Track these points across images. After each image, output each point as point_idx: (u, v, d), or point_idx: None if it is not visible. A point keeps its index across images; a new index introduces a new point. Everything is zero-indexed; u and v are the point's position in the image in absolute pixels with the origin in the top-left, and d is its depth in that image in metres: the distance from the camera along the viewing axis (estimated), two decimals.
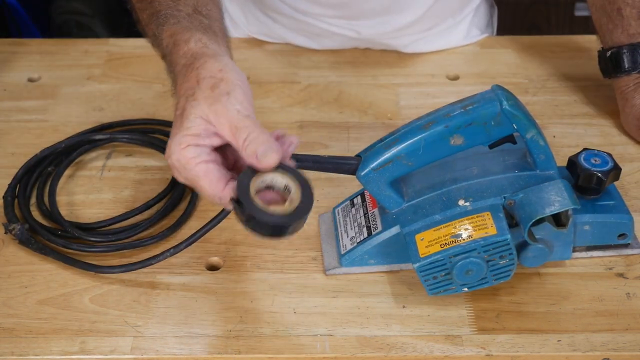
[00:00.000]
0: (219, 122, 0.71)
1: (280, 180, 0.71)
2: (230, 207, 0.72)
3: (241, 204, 0.69)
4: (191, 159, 0.71)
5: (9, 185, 0.95)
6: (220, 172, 0.72)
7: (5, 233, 0.89)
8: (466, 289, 0.79)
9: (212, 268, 0.86)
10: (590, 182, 0.83)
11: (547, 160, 0.81)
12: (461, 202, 0.80)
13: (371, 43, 1.21)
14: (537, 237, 0.79)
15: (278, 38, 1.23)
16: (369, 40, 1.19)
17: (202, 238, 0.83)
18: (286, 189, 0.71)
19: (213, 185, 0.71)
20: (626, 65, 1.02)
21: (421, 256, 0.77)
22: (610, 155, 0.85)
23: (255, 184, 0.70)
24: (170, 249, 0.83)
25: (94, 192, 0.96)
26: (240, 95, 0.72)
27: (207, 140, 0.72)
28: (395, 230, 0.82)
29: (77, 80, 1.16)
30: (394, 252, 0.83)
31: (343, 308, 0.81)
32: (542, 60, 1.20)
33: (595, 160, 0.84)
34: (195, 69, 0.74)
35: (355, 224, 0.86)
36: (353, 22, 1.16)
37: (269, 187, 0.71)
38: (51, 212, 0.92)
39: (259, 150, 0.69)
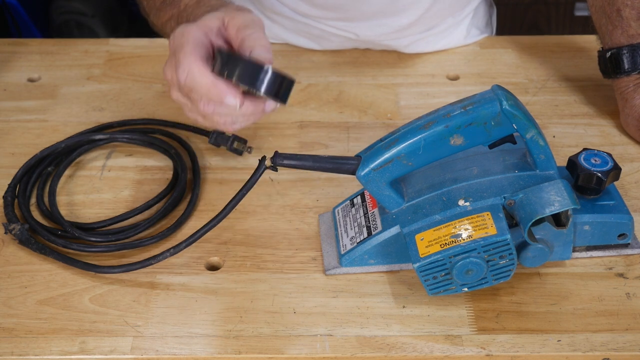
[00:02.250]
0: (231, 23, 0.74)
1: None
2: (197, 76, 0.72)
3: (230, 56, 0.72)
4: (190, 33, 0.73)
5: (9, 185, 0.95)
6: (203, 53, 0.73)
7: (5, 233, 0.89)
8: (466, 289, 0.79)
9: (212, 268, 0.86)
10: (590, 182, 0.83)
11: (547, 160, 0.81)
12: (461, 202, 0.80)
13: (371, 44, 1.21)
14: (537, 237, 0.79)
15: (278, 39, 1.23)
16: (369, 41, 1.20)
17: (202, 238, 0.83)
18: None
19: (193, 55, 0.72)
20: (626, 66, 1.02)
21: (421, 256, 0.77)
22: (610, 155, 0.85)
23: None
24: (170, 249, 0.83)
25: (94, 192, 0.96)
26: (260, 18, 0.76)
27: (214, 37, 0.74)
28: (395, 230, 0.82)
29: (77, 80, 1.16)
30: (394, 252, 0.83)
31: (343, 308, 0.81)
32: (542, 60, 1.20)
33: (595, 160, 0.84)
34: (224, 5, 0.79)
35: (355, 224, 0.86)
36: (352, 24, 1.16)
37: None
38: (51, 212, 0.92)
39: (257, 46, 0.72)
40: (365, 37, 1.18)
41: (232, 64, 0.71)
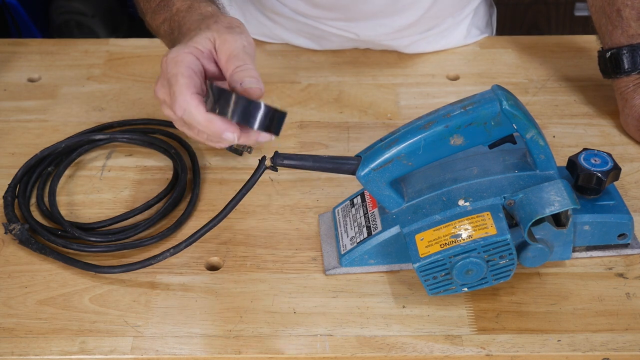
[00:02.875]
0: (222, 48, 0.76)
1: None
2: (193, 111, 0.74)
3: (222, 92, 0.73)
4: (184, 61, 0.74)
5: (9, 185, 0.95)
6: (198, 85, 0.75)
7: (5, 233, 0.89)
8: (466, 289, 0.79)
9: (212, 268, 0.86)
10: (590, 182, 0.83)
11: (547, 160, 0.81)
12: (461, 202, 0.80)
13: (371, 44, 1.21)
14: (537, 237, 0.79)
15: (278, 39, 1.23)
16: (369, 41, 1.20)
17: (202, 238, 0.83)
18: None
19: (188, 87, 0.73)
20: (626, 66, 1.02)
21: (421, 256, 0.77)
22: (610, 155, 0.85)
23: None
24: (170, 249, 0.83)
25: (93, 192, 0.96)
26: (249, 39, 0.77)
27: (205, 61, 0.76)
28: (395, 230, 0.82)
29: (77, 80, 1.16)
30: (394, 252, 0.83)
31: (343, 308, 0.81)
32: (542, 60, 1.20)
33: (595, 160, 0.84)
34: (214, 16, 0.81)
35: (355, 224, 0.86)
36: (352, 24, 1.16)
37: None
38: (51, 212, 0.92)
39: (246, 78, 0.74)
40: (365, 37, 1.18)
41: (224, 100, 0.72)
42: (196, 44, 0.76)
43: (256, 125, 0.73)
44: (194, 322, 0.80)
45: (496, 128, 0.79)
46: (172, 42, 0.86)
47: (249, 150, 1.00)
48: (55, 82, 1.16)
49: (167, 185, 0.95)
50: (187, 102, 0.74)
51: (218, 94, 0.73)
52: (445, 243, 0.77)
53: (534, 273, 0.84)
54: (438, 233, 0.78)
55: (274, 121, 0.74)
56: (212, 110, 0.74)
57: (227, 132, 0.74)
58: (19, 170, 0.96)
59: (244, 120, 0.72)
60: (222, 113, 0.73)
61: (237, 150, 0.99)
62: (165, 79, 0.76)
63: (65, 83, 1.16)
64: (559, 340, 0.77)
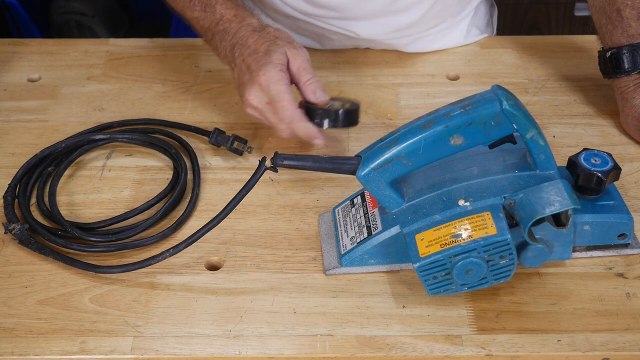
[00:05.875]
0: (293, 60, 0.94)
1: (333, 105, 0.96)
2: (298, 123, 0.93)
3: (315, 110, 0.94)
4: (282, 79, 0.92)
5: (9, 185, 0.95)
6: (293, 96, 0.93)
7: (5, 233, 0.89)
8: (466, 289, 0.79)
9: (212, 268, 0.86)
10: (590, 182, 0.83)
11: (547, 160, 0.81)
12: (461, 202, 0.80)
13: (371, 43, 1.21)
14: (537, 237, 0.79)
15: None
16: (369, 40, 1.20)
17: (202, 238, 0.83)
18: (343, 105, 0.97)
19: (293, 102, 0.92)
20: (626, 66, 1.02)
21: (421, 256, 0.77)
22: (610, 155, 0.85)
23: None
24: (170, 249, 0.83)
25: (94, 192, 0.96)
26: (305, 50, 0.97)
27: (285, 71, 0.93)
28: (395, 230, 0.82)
29: (77, 80, 1.16)
30: (394, 252, 0.83)
31: (343, 308, 0.81)
32: (542, 60, 1.20)
33: (595, 160, 0.84)
34: (266, 28, 0.98)
35: (355, 224, 0.86)
36: (353, 23, 1.16)
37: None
38: (51, 212, 0.92)
39: (318, 90, 0.94)
40: (366, 36, 1.18)
41: (311, 114, 0.93)
42: (278, 60, 0.93)
43: (341, 125, 0.95)
44: (194, 322, 0.80)
45: (496, 128, 0.79)
46: (218, 40, 1.01)
47: (249, 150, 1.00)
48: (55, 82, 1.16)
49: (167, 185, 0.95)
50: (294, 116, 0.92)
51: (305, 109, 0.94)
52: (446, 243, 0.77)
53: (534, 273, 0.84)
54: (438, 233, 0.78)
55: (352, 117, 0.95)
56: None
57: (317, 139, 0.94)
58: (19, 170, 0.96)
59: (333, 125, 0.94)
60: (317, 125, 0.93)
61: (237, 150, 1.00)
62: (263, 92, 0.92)
63: (65, 83, 1.16)
64: (559, 340, 0.77)
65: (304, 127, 0.93)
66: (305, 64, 0.95)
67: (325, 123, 0.94)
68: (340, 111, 0.94)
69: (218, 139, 1.00)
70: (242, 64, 0.96)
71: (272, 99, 0.92)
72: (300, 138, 0.95)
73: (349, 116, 0.95)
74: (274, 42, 0.95)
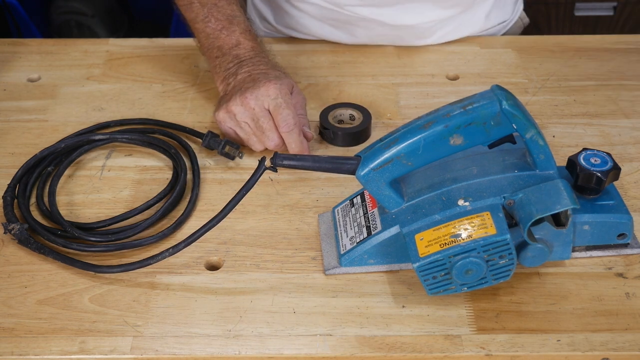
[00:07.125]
0: (295, 95, 1.01)
1: (344, 112, 1.07)
2: (297, 134, 0.98)
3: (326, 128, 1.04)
4: (290, 94, 0.99)
5: (9, 185, 0.95)
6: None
7: (5, 233, 0.89)
8: (466, 289, 0.79)
9: (212, 268, 0.86)
10: (589, 182, 0.83)
11: (546, 160, 0.81)
12: (461, 202, 0.80)
13: (395, 29, 1.20)
14: (536, 236, 0.79)
15: (303, 28, 1.22)
16: (395, 26, 1.19)
17: (202, 238, 0.83)
18: (351, 117, 1.07)
19: (295, 114, 0.97)
20: None
21: (421, 256, 0.77)
22: (609, 155, 0.85)
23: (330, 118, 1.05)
24: (169, 249, 0.83)
25: (93, 192, 0.96)
26: (302, 94, 1.05)
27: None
28: (394, 230, 0.82)
29: (77, 80, 1.16)
30: (394, 252, 0.83)
31: (342, 308, 0.81)
32: (542, 60, 1.20)
33: (595, 160, 0.84)
34: (280, 68, 1.06)
35: (355, 223, 0.86)
36: (379, 10, 1.16)
37: (340, 121, 1.07)
38: (51, 212, 0.92)
39: (304, 127, 1.00)
40: (392, 22, 1.18)
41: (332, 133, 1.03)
42: (289, 82, 1.01)
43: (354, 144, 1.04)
44: (193, 322, 0.80)
45: (496, 128, 0.79)
46: (225, 60, 1.06)
47: (240, 155, 1.00)
48: (55, 82, 1.16)
49: (167, 185, 0.95)
50: (298, 123, 0.97)
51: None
52: (445, 243, 0.77)
53: (533, 273, 0.84)
54: (438, 233, 0.78)
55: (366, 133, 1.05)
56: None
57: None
58: (18, 170, 0.96)
59: (348, 145, 1.03)
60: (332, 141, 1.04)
61: (228, 155, 1.00)
62: (268, 97, 0.97)
63: (65, 83, 1.16)
64: (558, 340, 0.77)
65: (299, 140, 0.97)
66: (302, 102, 1.02)
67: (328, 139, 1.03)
68: (340, 132, 1.02)
69: (211, 142, 1.00)
70: (247, 77, 1.01)
71: (278, 105, 0.97)
72: (286, 148, 0.98)
73: (350, 137, 1.02)
74: (283, 74, 1.03)
